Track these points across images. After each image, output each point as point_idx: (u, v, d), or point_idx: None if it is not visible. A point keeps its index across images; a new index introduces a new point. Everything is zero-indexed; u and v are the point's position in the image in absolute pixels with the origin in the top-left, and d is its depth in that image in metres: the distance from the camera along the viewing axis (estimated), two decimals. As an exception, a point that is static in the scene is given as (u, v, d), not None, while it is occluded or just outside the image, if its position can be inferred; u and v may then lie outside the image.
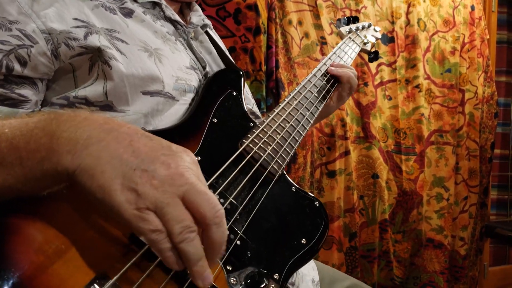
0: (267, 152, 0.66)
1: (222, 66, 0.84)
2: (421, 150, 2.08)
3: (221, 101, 0.70)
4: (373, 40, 1.19)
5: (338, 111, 1.71)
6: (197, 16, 0.85)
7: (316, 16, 1.72)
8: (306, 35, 1.72)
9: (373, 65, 1.98)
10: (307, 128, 0.79)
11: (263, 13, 1.42)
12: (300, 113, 0.77)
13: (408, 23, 2.11)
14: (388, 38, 2.06)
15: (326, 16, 1.80)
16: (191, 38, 0.80)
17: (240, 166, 0.61)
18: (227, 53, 0.90)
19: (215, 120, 0.67)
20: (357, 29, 1.18)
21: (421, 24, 2.14)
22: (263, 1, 1.56)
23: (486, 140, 2.37)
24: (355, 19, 1.27)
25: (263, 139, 0.68)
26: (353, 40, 1.13)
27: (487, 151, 2.38)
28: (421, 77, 2.12)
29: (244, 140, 0.66)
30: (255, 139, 0.67)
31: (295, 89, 0.83)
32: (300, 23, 1.67)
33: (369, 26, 1.25)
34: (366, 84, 1.93)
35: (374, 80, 1.96)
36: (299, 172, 1.49)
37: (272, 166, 0.65)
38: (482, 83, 2.38)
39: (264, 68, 1.48)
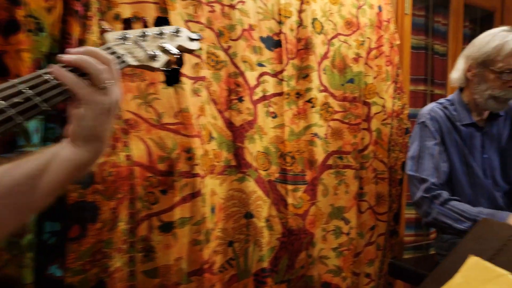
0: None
1: None
2: (313, 178, 1.69)
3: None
4: (175, 52, 0.76)
5: (183, 139, 1.23)
6: None
7: (163, 10, 1.28)
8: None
9: (252, 76, 1.56)
10: None
11: (37, 1, 0.93)
12: None
13: (300, 23, 1.71)
14: (274, 42, 1.65)
15: (181, 11, 1.35)
16: None
17: None
18: None
19: None
20: (143, 35, 0.74)
21: (317, 25, 1.75)
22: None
23: (396, 159, 2.04)
24: (161, 22, 0.84)
25: None
26: (126, 51, 0.69)
27: (397, 172, 2.04)
28: (316, 89, 1.73)
29: None
30: None
31: None
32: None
33: (177, 32, 0.82)
34: (240, 100, 1.51)
35: (253, 94, 1.55)
36: (103, 234, 1.04)
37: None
38: (392, 95, 2.04)
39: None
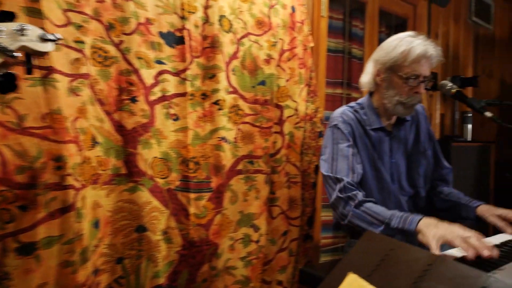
0: None
1: None
2: (219, 185, 1.59)
3: None
4: (11, 53, 0.61)
5: (52, 145, 1.05)
6: None
7: (33, -4, 1.10)
8: None
9: (149, 74, 1.41)
10: None
11: None
12: None
13: (206, 20, 1.60)
14: (176, 38, 1.52)
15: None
16: None
17: None
18: None
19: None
20: None
21: (225, 23, 1.65)
22: None
23: (309, 163, 2.00)
24: (4, 16, 0.68)
25: None
26: None
27: (310, 176, 2.01)
28: (223, 90, 1.63)
29: None
30: None
31: None
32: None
33: (21, 30, 0.66)
34: (134, 100, 1.37)
35: (149, 94, 1.41)
36: None
37: None
38: (305, 98, 2.00)
39: None
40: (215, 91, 1.56)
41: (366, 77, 1.55)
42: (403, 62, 1.40)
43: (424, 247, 1.09)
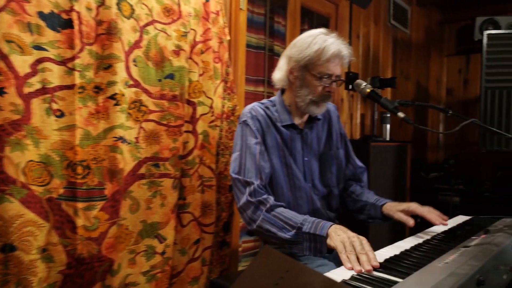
0: None
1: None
2: (114, 192, 1.39)
3: None
4: None
5: None
6: None
7: None
8: None
9: (23, 62, 1.16)
10: None
11: None
12: None
13: (102, 3, 1.38)
14: (62, 21, 1.28)
15: None
16: None
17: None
18: None
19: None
20: None
21: (124, 7, 1.45)
22: None
23: (226, 164, 1.86)
24: None
25: None
26: None
27: (226, 178, 1.88)
28: (121, 83, 1.43)
29: None
30: None
31: None
32: None
33: None
34: (1, 92, 1.13)
35: (23, 86, 1.18)
36: None
37: None
38: (221, 95, 1.86)
39: None
40: (111, 83, 1.36)
41: (278, 74, 1.46)
42: (317, 61, 1.34)
43: (333, 251, 1.11)
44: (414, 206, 1.35)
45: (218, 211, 1.80)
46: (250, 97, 2.23)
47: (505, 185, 3.10)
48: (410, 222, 1.30)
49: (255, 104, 1.45)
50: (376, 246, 1.14)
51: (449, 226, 1.44)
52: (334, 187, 1.53)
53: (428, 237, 1.30)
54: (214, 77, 1.76)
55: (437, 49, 3.92)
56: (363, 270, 0.95)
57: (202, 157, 1.71)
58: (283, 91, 1.50)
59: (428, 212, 1.33)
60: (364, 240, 1.07)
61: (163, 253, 1.52)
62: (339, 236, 1.09)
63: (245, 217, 1.29)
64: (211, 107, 1.74)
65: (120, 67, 1.38)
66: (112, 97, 1.36)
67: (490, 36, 2.64)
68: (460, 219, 1.61)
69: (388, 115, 2.81)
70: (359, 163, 1.64)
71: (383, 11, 3.18)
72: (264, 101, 1.50)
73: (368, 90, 1.41)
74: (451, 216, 2.66)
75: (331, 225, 1.15)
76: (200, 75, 1.71)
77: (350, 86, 2.66)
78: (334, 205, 1.53)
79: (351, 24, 2.77)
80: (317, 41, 1.34)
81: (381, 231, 2.60)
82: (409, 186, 2.88)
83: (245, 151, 1.35)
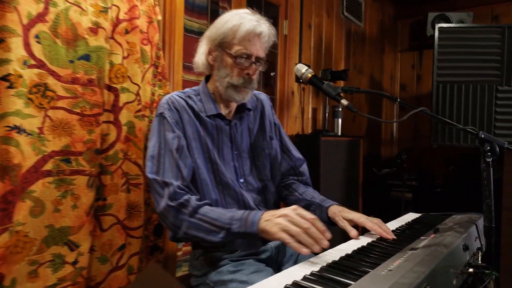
0: None
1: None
2: (6, 192, 1.15)
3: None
4: None
5: None
6: None
7: None
8: None
9: None
10: None
11: None
12: None
13: (-10, -37, 1.16)
14: None
15: None
16: None
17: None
18: None
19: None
20: None
21: (23, -29, 1.22)
22: None
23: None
24: None
25: None
26: None
27: (159, 176, 1.67)
28: (18, 62, 1.17)
29: None
30: None
31: None
32: None
33: None
34: None
35: None
36: None
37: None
38: (150, 81, 1.65)
39: None
40: (3, 62, 1.12)
41: (199, 58, 1.31)
42: (232, 38, 1.21)
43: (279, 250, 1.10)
44: (362, 220, 1.22)
45: (148, 212, 1.59)
46: (189, 86, 2.02)
47: (456, 180, 3.08)
48: (353, 232, 1.16)
49: (174, 94, 1.29)
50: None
51: (398, 225, 1.32)
52: (269, 181, 1.39)
53: (375, 238, 1.16)
54: (142, 60, 1.55)
55: (391, 44, 3.88)
56: (324, 246, 0.95)
57: (126, 152, 1.50)
58: (207, 79, 1.34)
59: (376, 227, 1.19)
60: (299, 209, 1.00)
61: (75, 263, 1.30)
62: (276, 224, 0.98)
63: (168, 224, 1.12)
64: (137, 94, 1.53)
65: (15, 42, 1.15)
66: (4, 78, 1.12)
67: (441, 29, 2.58)
68: (410, 216, 1.49)
69: (340, 109, 2.70)
70: (297, 155, 1.49)
71: (336, 2, 3.07)
72: (187, 90, 1.34)
73: (310, 75, 1.26)
74: (402, 213, 2.58)
75: (260, 218, 1.02)
76: (125, 57, 1.49)
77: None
78: (271, 200, 1.38)
79: (302, 13, 2.63)
80: (235, 18, 1.22)
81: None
82: (361, 182, 2.79)
83: (163, 147, 1.18)
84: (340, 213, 1.25)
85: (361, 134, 3.28)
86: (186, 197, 1.09)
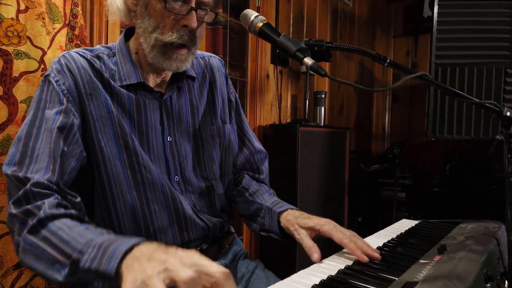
0: None
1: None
2: None
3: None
4: None
5: None
6: None
7: None
8: None
9: None
10: None
11: None
12: None
13: None
14: None
15: None
16: None
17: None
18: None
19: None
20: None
21: None
22: None
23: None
24: None
25: None
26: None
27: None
28: None
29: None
30: None
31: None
32: None
33: None
34: None
35: None
36: None
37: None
38: (63, 46, 1.27)
39: None
40: None
41: (114, 0, 0.90)
42: None
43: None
44: (327, 228, 0.84)
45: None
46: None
47: (455, 179, 2.72)
48: (315, 255, 0.79)
49: (73, 51, 0.88)
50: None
51: (387, 238, 0.95)
52: (216, 180, 1.02)
53: (350, 261, 0.79)
54: (50, 17, 1.16)
55: (383, 29, 3.51)
56: None
57: (25, 138, 1.10)
58: (128, 34, 0.94)
59: (348, 240, 0.81)
60: (196, 257, 0.54)
61: None
62: (138, 272, 0.53)
63: (13, 241, 0.71)
64: (42, 62, 1.14)
65: None
66: None
67: (442, 4, 2.21)
68: (403, 225, 1.12)
69: (324, 95, 2.32)
70: (258, 146, 1.12)
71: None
72: (97, 47, 0.94)
73: (260, 24, 0.88)
74: (394, 215, 2.17)
75: (126, 251, 0.58)
76: (22, 11, 1.10)
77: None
78: (217, 206, 1.00)
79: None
80: None
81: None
82: (348, 180, 2.41)
83: (37, 125, 0.78)
84: (297, 219, 0.87)
85: (349, 125, 2.90)
86: (40, 202, 0.69)
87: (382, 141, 3.52)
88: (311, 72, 0.83)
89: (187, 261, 0.52)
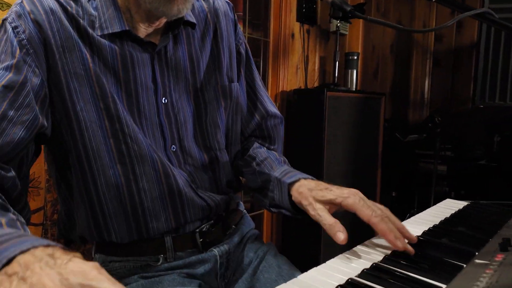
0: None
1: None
2: None
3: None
4: None
5: None
6: None
7: None
8: None
9: None
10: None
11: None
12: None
13: None
14: None
15: None
16: None
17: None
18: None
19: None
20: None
21: None
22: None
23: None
24: None
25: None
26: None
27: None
28: None
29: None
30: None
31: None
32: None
33: None
34: None
35: None
36: None
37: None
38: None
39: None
40: None
41: None
42: None
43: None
44: (351, 201, 0.65)
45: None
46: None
47: (506, 152, 2.43)
48: (340, 235, 0.62)
49: None
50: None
51: (427, 224, 0.75)
52: (221, 150, 0.85)
53: (388, 251, 0.61)
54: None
55: (425, -17, 3.13)
56: None
57: None
58: None
59: (378, 219, 0.62)
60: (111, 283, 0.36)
61: None
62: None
63: None
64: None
65: None
66: None
67: None
68: (447, 207, 0.91)
69: (356, 57, 2.07)
70: (272, 109, 0.94)
71: None
72: None
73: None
74: (433, 191, 1.93)
75: (25, 250, 0.39)
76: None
77: (304, 16, 1.91)
78: (222, 181, 0.85)
79: None
80: None
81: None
82: (381, 151, 2.19)
83: None
84: (312, 192, 0.70)
85: (384, 91, 2.64)
86: None
87: (420, 109, 3.22)
88: (334, 8, 0.63)
89: (73, 282, 0.34)
